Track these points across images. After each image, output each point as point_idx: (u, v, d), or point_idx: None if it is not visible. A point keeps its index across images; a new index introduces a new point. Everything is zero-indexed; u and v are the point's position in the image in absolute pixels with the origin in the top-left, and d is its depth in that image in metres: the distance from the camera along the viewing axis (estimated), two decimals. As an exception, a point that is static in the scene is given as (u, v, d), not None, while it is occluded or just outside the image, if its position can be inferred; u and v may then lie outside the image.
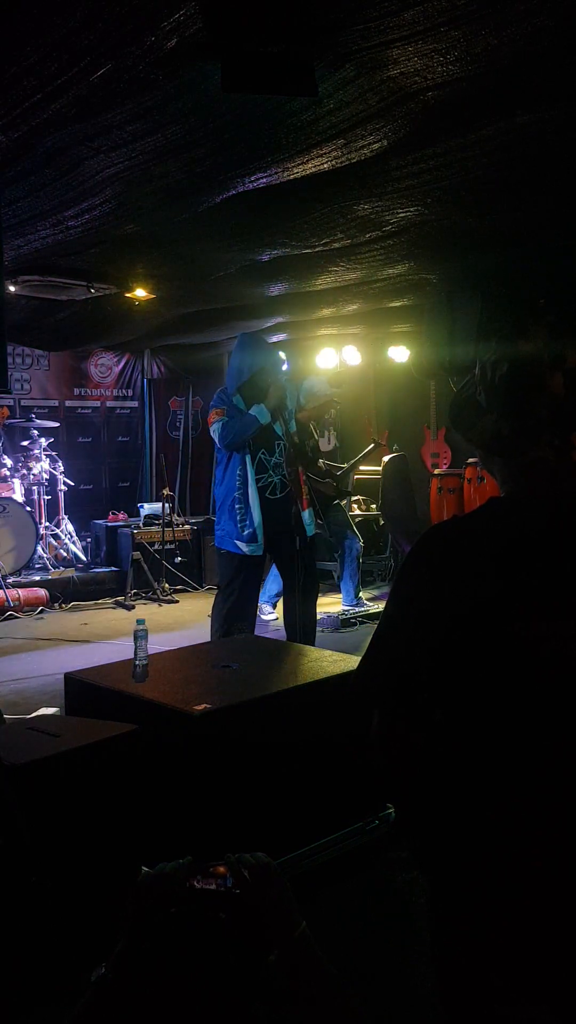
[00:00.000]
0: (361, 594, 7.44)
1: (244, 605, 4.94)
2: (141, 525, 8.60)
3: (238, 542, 4.82)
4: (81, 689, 3.30)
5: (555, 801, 1.28)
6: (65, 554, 8.65)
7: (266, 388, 4.83)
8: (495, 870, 1.30)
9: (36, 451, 8.48)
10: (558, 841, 1.27)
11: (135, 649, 3.29)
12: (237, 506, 4.81)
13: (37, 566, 8.26)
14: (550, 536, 1.35)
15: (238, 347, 5.02)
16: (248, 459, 4.81)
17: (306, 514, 4.95)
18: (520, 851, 1.29)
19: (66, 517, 8.81)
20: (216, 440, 4.83)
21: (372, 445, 7.72)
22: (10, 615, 7.49)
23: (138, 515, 8.84)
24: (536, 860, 1.28)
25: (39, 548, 8.22)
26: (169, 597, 8.17)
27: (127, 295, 6.70)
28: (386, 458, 8.19)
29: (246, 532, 4.79)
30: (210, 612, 5.22)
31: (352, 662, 3.39)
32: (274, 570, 7.20)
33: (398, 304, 7.49)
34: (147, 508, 8.83)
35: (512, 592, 1.31)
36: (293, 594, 5.04)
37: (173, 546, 8.57)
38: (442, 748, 1.36)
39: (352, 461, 7.81)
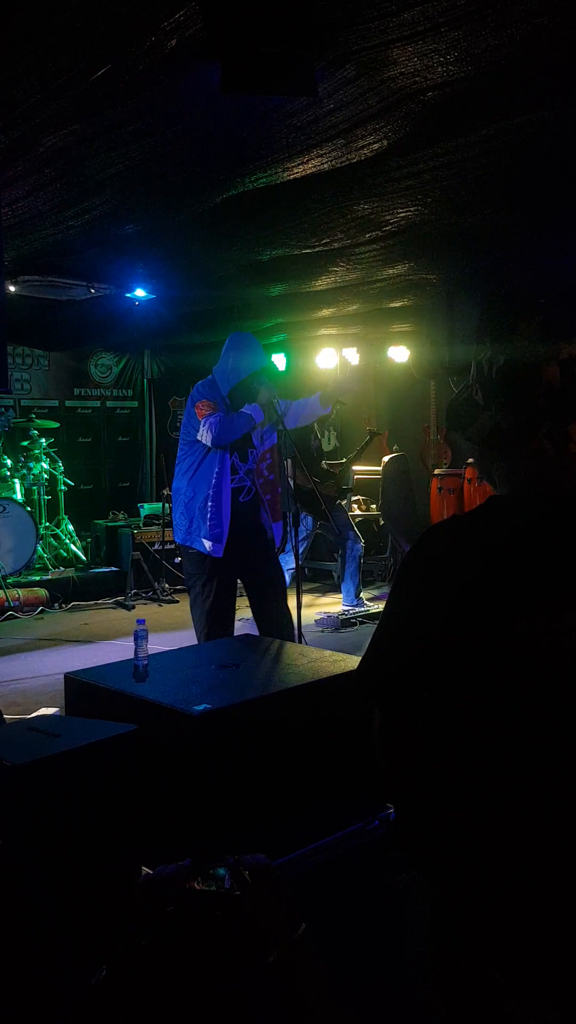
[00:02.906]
0: (361, 594, 7.45)
1: (223, 607, 4.86)
2: (141, 525, 8.59)
3: (204, 540, 4.78)
4: (81, 689, 3.30)
5: (556, 797, 1.28)
6: (65, 554, 8.65)
7: (256, 391, 4.78)
8: (496, 866, 1.30)
9: (36, 451, 8.48)
10: (560, 837, 1.27)
11: (135, 649, 3.29)
12: (209, 504, 4.75)
13: (37, 566, 8.26)
14: (549, 533, 1.35)
15: (232, 347, 4.94)
16: (225, 459, 4.77)
17: (277, 526, 4.94)
18: (522, 847, 1.29)
19: (66, 517, 8.80)
20: (204, 435, 4.69)
21: (369, 437, 7.73)
22: (10, 615, 7.49)
23: (138, 515, 8.84)
24: (538, 856, 1.28)
25: (39, 548, 8.22)
26: (169, 597, 8.17)
27: (127, 295, 6.70)
28: (386, 458, 8.19)
29: (214, 532, 4.74)
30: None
31: (352, 662, 3.39)
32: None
33: (398, 304, 7.49)
34: (147, 508, 8.83)
35: (513, 588, 1.31)
36: (261, 598, 5.00)
37: (173, 546, 8.57)
38: (443, 745, 1.36)
39: (351, 455, 7.82)
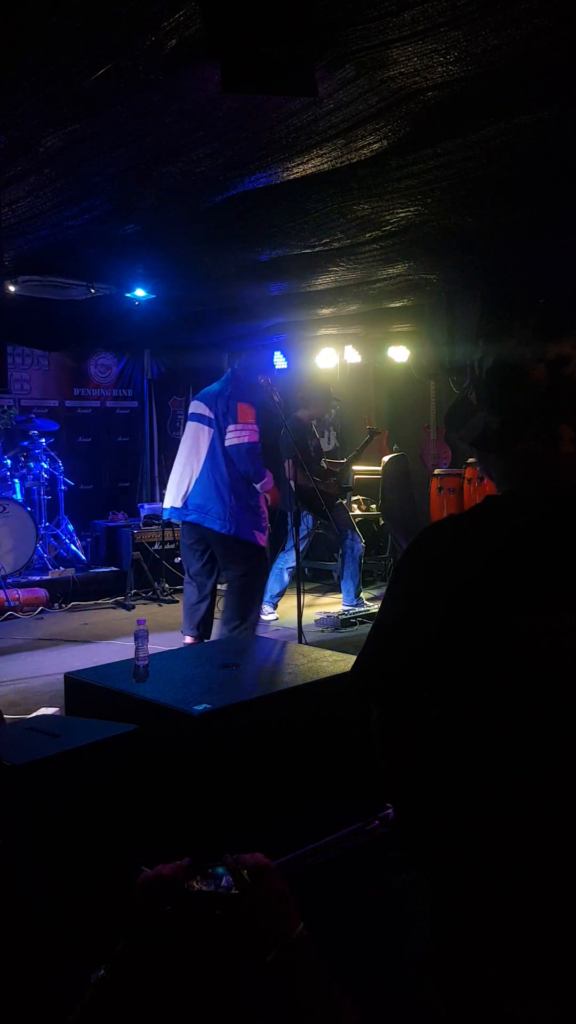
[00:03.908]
0: (361, 594, 7.44)
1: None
2: (141, 525, 8.59)
3: (257, 532, 5.31)
4: (81, 689, 3.30)
5: (556, 796, 1.28)
6: (65, 554, 8.65)
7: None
8: (496, 865, 1.30)
9: (36, 451, 8.48)
10: (560, 836, 1.27)
11: (135, 649, 3.29)
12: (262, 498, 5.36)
13: (37, 566, 8.26)
14: (549, 533, 1.35)
15: (256, 389, 5.32)
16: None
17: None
18: (522, 846, 1.29)
19: (66, 517, 8.80)
20: (240, 436, 5.01)
21: (368, 435, 7.73)
22: (10, 615, 7.48)
23: (138, 515, 8.83)
24: (538, 856, 1.28)
25: (39, 548, 8.21)
26: (169, 597, 8.16)
27: (127, 295, 6.70)
28: (386, 458, 8.19)
29: (265, 524, 5.33)
30: (218, 611, 5.49)
31: (352, 662, 3.39)
32: (274, 570, 7.22)
33: (398, 304, 7.49)
34: (147, 508, 8.82)
35: (512, 588, 1.31)
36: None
37: (173, 546, 8.57)
38: (443, 744, 1.36)
39: (351, 454, 7.82)
